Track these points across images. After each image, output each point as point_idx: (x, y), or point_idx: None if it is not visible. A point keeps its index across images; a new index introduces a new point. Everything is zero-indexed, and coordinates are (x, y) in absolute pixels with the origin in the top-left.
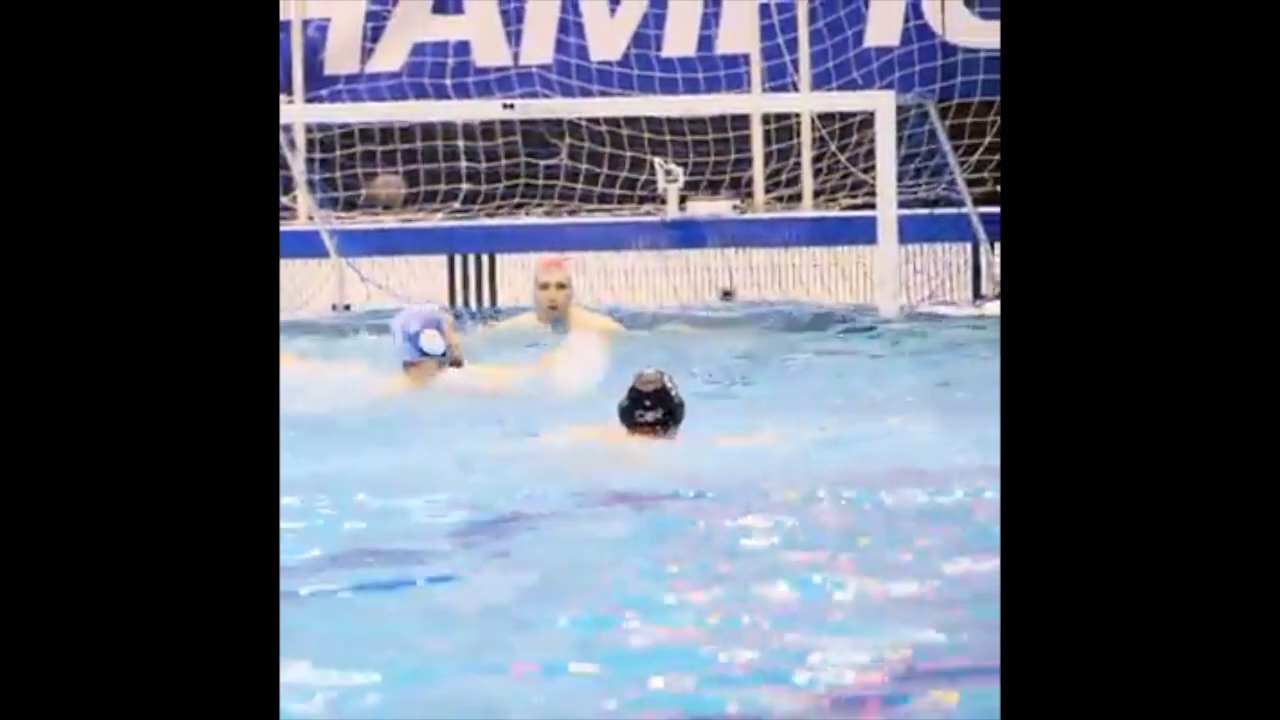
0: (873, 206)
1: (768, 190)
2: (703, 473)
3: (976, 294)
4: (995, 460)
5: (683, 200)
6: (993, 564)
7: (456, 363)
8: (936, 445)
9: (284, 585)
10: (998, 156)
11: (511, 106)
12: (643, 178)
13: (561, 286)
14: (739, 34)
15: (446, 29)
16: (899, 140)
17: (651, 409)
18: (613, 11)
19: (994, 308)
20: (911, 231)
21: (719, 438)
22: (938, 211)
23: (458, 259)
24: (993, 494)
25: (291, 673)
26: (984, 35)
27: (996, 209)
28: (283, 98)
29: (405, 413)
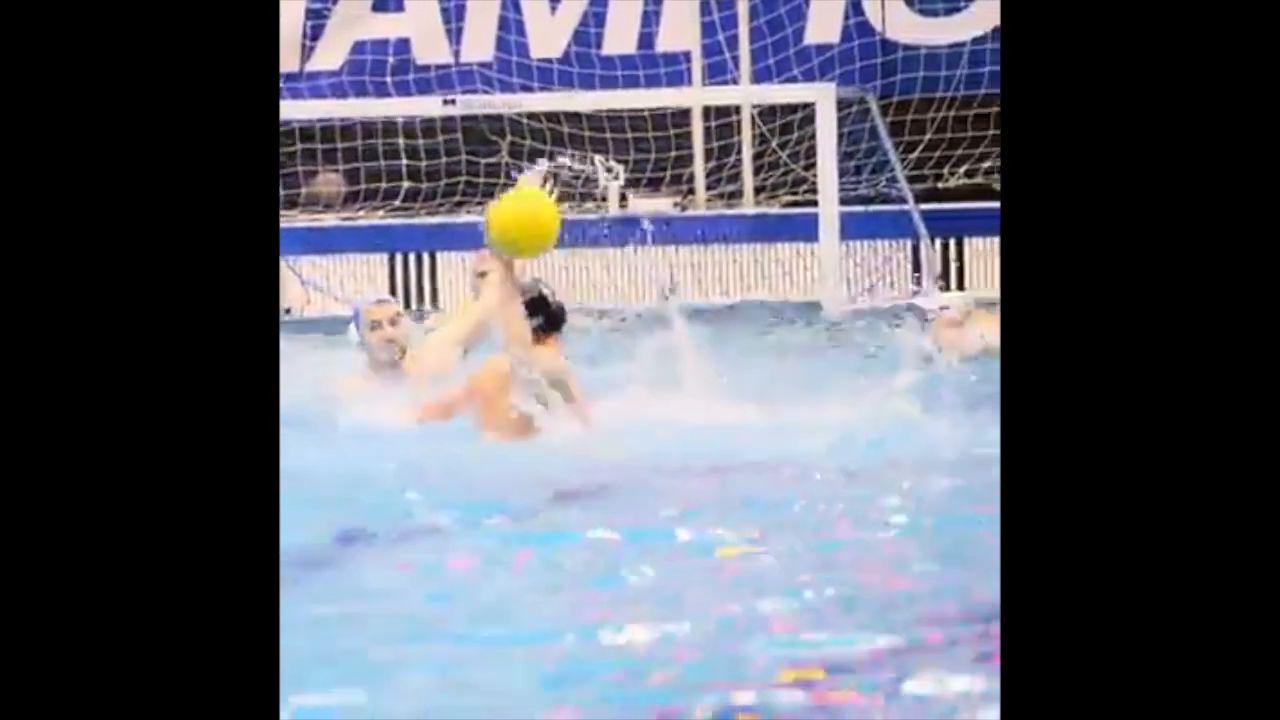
0: (814, 203)
1: (709, 187)
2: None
3: (917, 289)
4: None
5: (623, 197)
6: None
7: (381, 362)
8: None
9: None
10: (938, 153)
11: (452, 103)
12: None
13: None
14: (679, 31)
15: (387, 27)
16: (840, 137)
17: (531, 316)
18: (553, 9)
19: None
20: (852, 228)
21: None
22: (873, 208)
23: (398, 257)
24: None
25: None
26: (924, 32)
27: (937, 205)
28: None
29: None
